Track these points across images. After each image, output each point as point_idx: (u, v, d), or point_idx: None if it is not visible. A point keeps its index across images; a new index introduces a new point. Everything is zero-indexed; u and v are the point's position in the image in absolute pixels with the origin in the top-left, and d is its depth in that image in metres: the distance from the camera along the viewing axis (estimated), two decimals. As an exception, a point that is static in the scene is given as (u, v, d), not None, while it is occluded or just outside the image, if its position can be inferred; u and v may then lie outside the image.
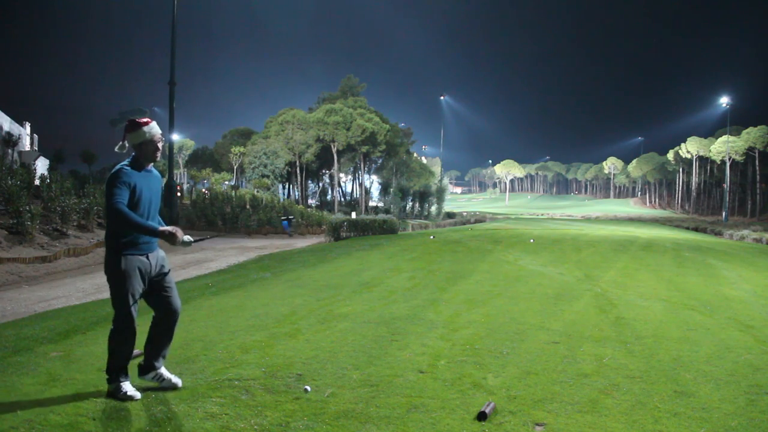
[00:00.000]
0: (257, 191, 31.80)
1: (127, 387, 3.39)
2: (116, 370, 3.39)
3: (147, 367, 3.53)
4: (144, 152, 3.42)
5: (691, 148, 74.95)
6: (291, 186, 44.43)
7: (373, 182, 50.52)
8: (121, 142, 3.45)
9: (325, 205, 42.74)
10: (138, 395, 3.37)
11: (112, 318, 3.43)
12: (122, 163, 3.39)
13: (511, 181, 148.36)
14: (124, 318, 3.36)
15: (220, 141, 46.43)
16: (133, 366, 3.60)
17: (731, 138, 58.97)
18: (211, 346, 4.57)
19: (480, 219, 43.52)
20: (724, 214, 48.14)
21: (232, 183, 40.23)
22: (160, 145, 3.47)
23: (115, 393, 3.36)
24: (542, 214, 67.15)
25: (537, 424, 3.14)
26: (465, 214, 50.86)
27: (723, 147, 60.44)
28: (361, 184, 44.74)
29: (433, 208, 40.44)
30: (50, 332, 5.07)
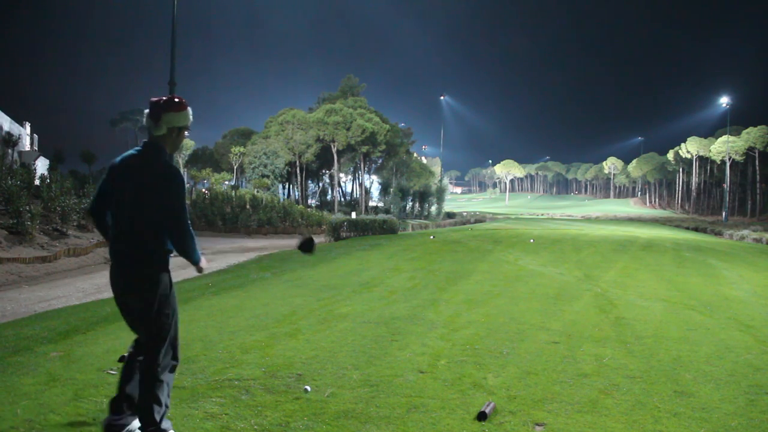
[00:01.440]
0: (257, 191, 31.78)
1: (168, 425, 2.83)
2: (161, 419, 2.73)
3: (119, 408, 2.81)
4: (178, 140, 2.83)
5: (691, 148, 74.91)
6: (291, 186, 44.41)
7: (373, 182, 50.49)
8: (156, 125, 2.73)
9: (325, 205, 42.73)
10: None
11: (152, 358, 2.71)
12: (167, 160, 2.77)
13: (511, 181, 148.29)
14: (175, 352, 2.78)
15: (220, 141, 46.41)
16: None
17: (731, 138, 58.93)
18: (211, 346, 4.57)
19: (480, 219, 43.49)
20: (724, 214, 48.11)
21: (232, 183, 40.18)
22: None
23: None
24: (542, 214, 67.11)
25: (537, 424, 3.14)
26: (465, 214, 50.82)
27: (723, 147, 60.40)
28: (361, 184, 44.73)
29: (433, 208, 40.42)
30: (50, 332, 5.07)
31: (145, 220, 2.66)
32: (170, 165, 2.74)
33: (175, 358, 2.79)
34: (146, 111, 2.78)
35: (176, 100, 2.78)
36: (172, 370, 2.81)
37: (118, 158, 2.80)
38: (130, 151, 2.80)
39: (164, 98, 2.77)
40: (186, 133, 2.87)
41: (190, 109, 2.83)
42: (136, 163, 2.73)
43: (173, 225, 2.67)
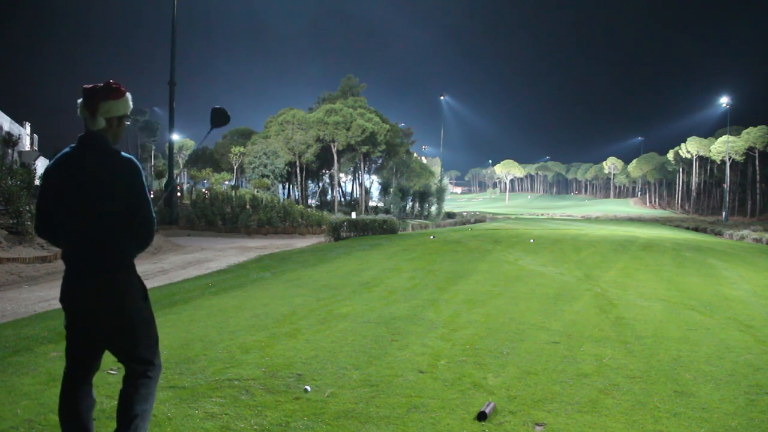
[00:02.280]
0: (257, 191, 31.78)
1: None
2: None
3: None
4: (119, 131, 2.55)
5: (691, 148, 74.91)
6: (291, 186, 44.41)
7: (373, 182, 50.47)
8: (93, 117, 2.44)
9: (325, 205, 42.71)
10: None
11: (143, 376, 2.60)
12: (116, 149, 2.49)
13: (511, 181, 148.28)
14: (159, 365, 2.63)
15: (220, 141, 46.42)
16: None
17: (731, 138, 58.93)
18: (211, 346, 4.57)
19: (480, 219, 43.47)
20: (724, 214, 48.10)
21: (232, 183, 40.19)
22: None
23: None
24: (542, 214, 67.10)
25: (537, 424, 3.14)
26: (465, 214, 50.78)
27: (723, 147, 60.40)
28: (361, 184, 44.71)
29: (433, 208, 40.41)
30: (50, 332, 5.07)
31: (113, 218, 2.41)
32: (124, 154, 2.49)
33: (155, 370, 2.65)
34: (79, 101, 2.49)
35: (114, 86, 2.51)
36: (156, 383, 2.69)
37: (54, 162, 2.46)
38: (66, 150, 2.47)
39: (100, 85, 2.50)
40: (126, 122, 2.62)
41: (129, 95, 2.57)
42: (84, 159, 2.43)
43: (143, 216, 2.46)
